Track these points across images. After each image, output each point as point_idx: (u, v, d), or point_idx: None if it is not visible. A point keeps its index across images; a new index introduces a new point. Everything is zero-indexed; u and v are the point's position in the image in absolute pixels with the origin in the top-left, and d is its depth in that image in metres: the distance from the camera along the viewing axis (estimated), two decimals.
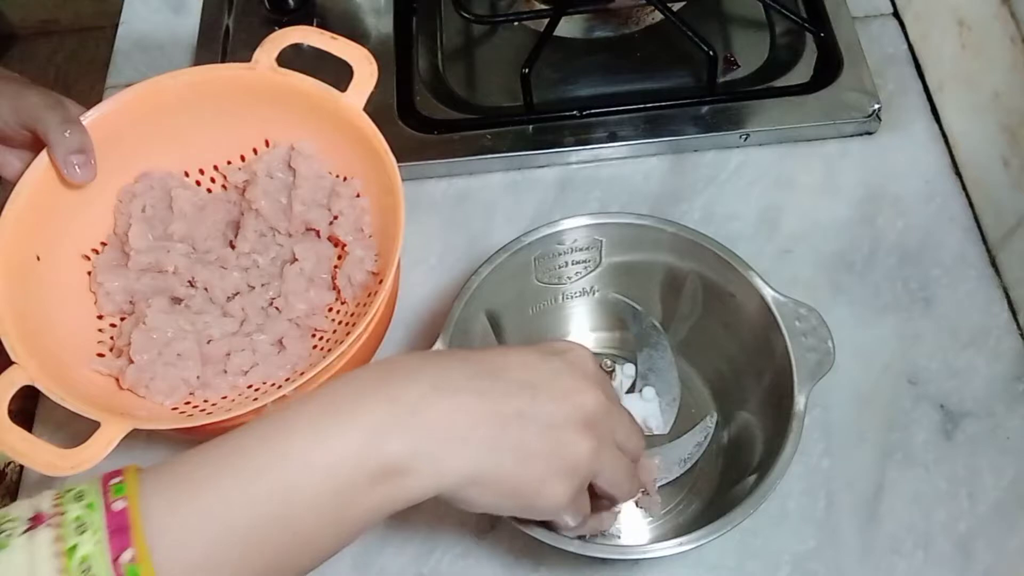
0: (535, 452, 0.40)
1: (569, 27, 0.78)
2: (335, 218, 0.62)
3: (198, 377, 0.57)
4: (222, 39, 0.78)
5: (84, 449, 0.49)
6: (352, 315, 0.60)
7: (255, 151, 0.63)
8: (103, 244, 0.61)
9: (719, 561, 0.56)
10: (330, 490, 0.36)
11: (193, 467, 0.37)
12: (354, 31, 0.78)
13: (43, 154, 0.56)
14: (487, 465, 0.39)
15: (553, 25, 0.73)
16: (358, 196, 0.61)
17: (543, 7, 0.79)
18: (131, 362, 0.56)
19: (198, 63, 0.77)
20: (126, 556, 0.33)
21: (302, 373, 0.51)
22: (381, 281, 0.54)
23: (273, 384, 0.59)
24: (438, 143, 0.71)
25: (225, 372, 0.58)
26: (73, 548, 0.33)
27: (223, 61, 0.77)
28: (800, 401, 0.50)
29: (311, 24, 0.79)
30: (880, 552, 0.56)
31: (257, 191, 0.61)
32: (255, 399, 0.58)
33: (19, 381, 0.51)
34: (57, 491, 0.35)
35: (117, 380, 0.57)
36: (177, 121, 0.60)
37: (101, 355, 0.59)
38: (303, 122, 0.60)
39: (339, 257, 0.62)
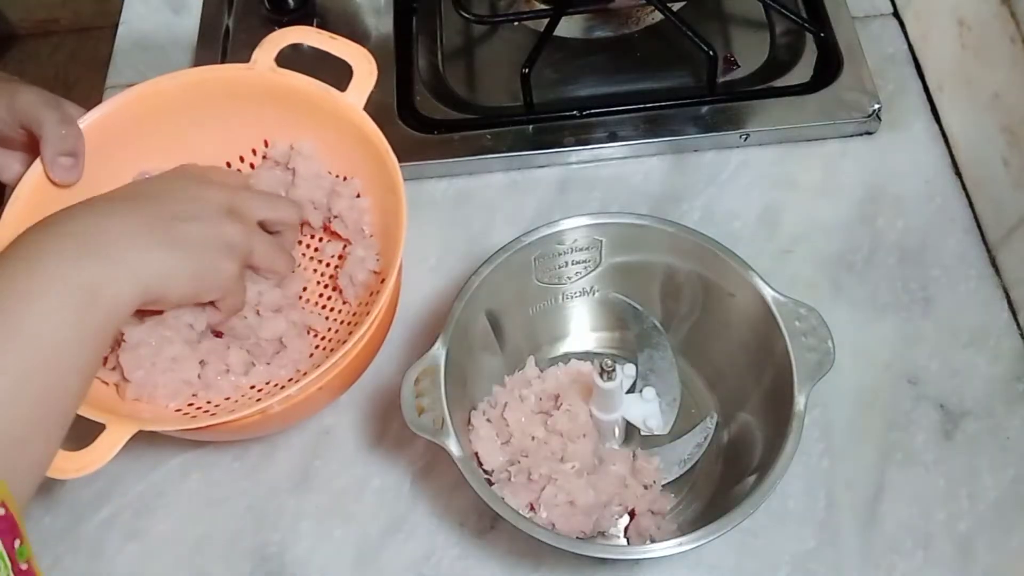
0: (200, 241, 0.50)
1: (569, 27, 0.78)
2: (335, 217, 0.62)
3: (199, 376, 0.57)
4: (222, 39, 0.78)
5: (90, 452, 0.49)
6: (354, 315, 0.60)
7: (254, 151, 0.63)
8: None
9: (719, 561, 0.56)
10: (52, 333, 0.43)
11: None
12: (354, 31, 0.78)
13: (38, 160, 0.55)
14: (170, 260, 0.48)
15: (553, 25, 0.73)
16: (359, 196, 0.61)
17: (543, 7, 0.79)
18: (128, 381, 0.56)
19: (198, 63, 0.77)
20: None
21: (305, 373, 0.51)
22: (383, 280, 0.54)
23: (276, 384, 0.59)
24: (438, 143, 0.71)
25: (227, 371, 0.58)
26: None
27: (223, 61, 0.77)
28: (800, 401, 0.50)
29: (311, 24, 0.79)
30: (880, 552, 0.56)
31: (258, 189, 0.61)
32: (258, 399, 0.58)
33: None
34: None
35: (117, 387, 0.57)
36: (177, 122, 0.60)
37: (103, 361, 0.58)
38: (303, 122, 0.60)
39: (340, 257, 0.62)
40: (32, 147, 0.56)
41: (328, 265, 0.63)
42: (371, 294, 0.59)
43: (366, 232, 0.61)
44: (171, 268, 0.48)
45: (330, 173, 0.62)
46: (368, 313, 0.52)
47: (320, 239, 0.64)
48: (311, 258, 0.64)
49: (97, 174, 0.57)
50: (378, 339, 0.57)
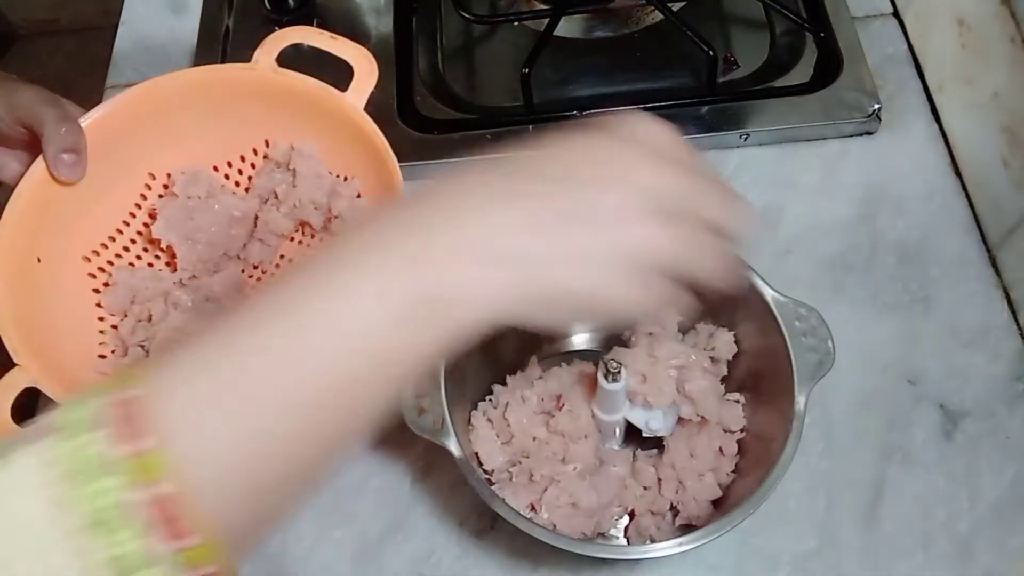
0: (587, 253, 0.34)
1: (569, 27, 0.78)
2: (335, 217, 0.62)
3: None
4: (222, 39, 0.78)
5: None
6: None
7: (255, 151, 0.63)
8: (104, 246, 0.61)
9: (719, 561, 0.56)
10: (376, 338, 0.32)
11: (212, 350, 0.32)
12: (354, 31, 0.78)
13: (38, 162, 0.55)
14: (532, 279, 0.34)
15: (553, 25, 0.73)
16: (359, 196, 0.61)
17: (543, 7, 0.79)
18: (147, 355, 0.56)
19: (198, 63, 0.77)
20: (137, 445, 0.28)
21: None
22: None
23: None
24: (438, 143, 0.71)
25: None
26: (74, 446, 0.28)
27: (223, 61, 0.77)
28: (800, 401, 0.50)
29: (311, 24, 0.79)
30: (880, 552, 0.56)
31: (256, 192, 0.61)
32: None
33: (22, 383, 0.51)
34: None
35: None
36: (178, 121, 0.60)
37: (103, 356, 0.58)
38: (303, 122, 0.60)
39: None
40: (31, 146, 0.56)
41: None
42: None
43: None
44: (536, 288, 0.34)
45: (331, 173, 0.62)
46: None
47: (321, 239, 0.64)
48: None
49: (100, 172, 0.57)
50: None
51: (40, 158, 0.55)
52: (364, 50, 0.59)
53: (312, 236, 0.64)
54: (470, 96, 0.76)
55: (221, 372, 0.31)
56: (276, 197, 0.63)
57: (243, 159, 0.63)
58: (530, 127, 0.72)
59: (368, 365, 0.32)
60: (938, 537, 0.56)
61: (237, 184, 0.64)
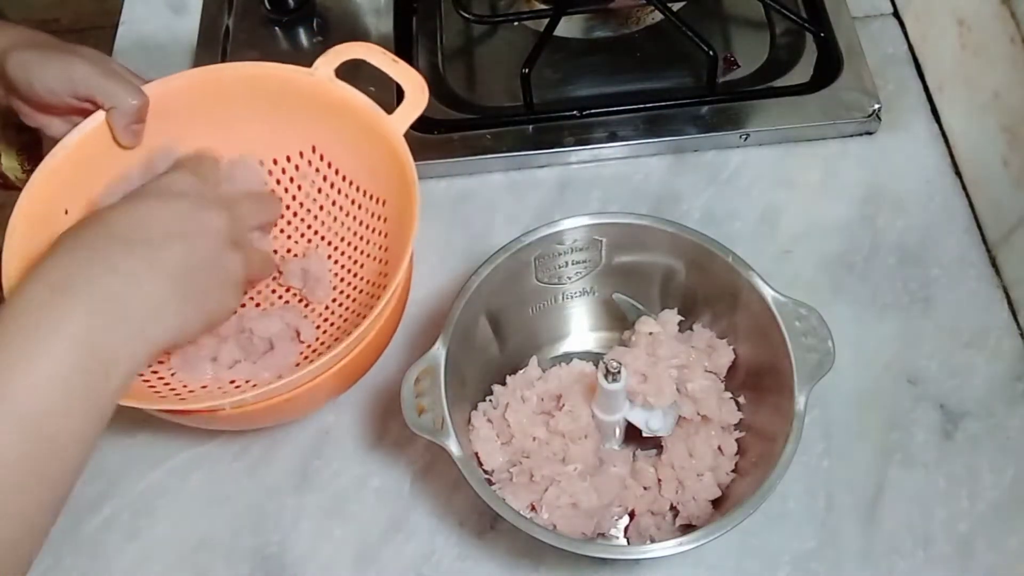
0: (209, 287, 0.48)
1: (569, 27, 0.78)
2: (353, 233, 0.62)
3: (181, 355, 0.57)
4: (222, 39, 0.78)
5: None
6: (347, 335, 0.60)
7: (301, 154, 0.62)
8: None
9: (719, 561, 0.56)
10: (56, 403, 0.39)
11: None
12: (354, 31, 0.78)
13: (94, 116, 0.56)
14: (182, 314, 0.46)
15: (553, 25, 0.73)
16: (380, 218, 0.60)
17: (543, 7, 0.79)
18: None
19: (198, 63, 0.77)
20: None
21: (280, 377, 0.51)
22: (378, 298, 0.54)
23: (254, 385, 0.58)
24: (438, 143, 0.71)
25: (214, 360, 0.58)
26: None
27: (223, 61, 0.77)
28: (800, 401, 0.50)
29: (311, 24, 0.79)
30: (880, 552, 0.56)
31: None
32: (224, 392, 0.57)
33: None
34: None
35: None
36: (230, 109, 0.60)
37: None
38: (349, 136, 0.59)
39: (348, 269, 0.62)
40: (79, 111, 0.56)
41: (341, 280, 0.63)
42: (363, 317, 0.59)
43: (377, 253, 0.61)
44: (184, 322, 0.46)
45: (357, 188, 0.61)
46: (350, 334, 0.51)
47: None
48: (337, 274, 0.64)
49: (151, 143, 0.58)
50: (374, 352, 0.56)
51: (91, 118, 0.56)
52: (420, 79, 0.58)
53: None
54: (470, 96, 0.76)
55: None
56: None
57: (288, 159, 0.63)
58: (530, 127, 0.72)
59: (48, 440, 0.39)
60: (938, 537, 0.56)
61: (278, 182, 0.64)
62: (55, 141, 0.56)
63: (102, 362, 0.41)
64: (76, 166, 0.56)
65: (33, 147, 0.72)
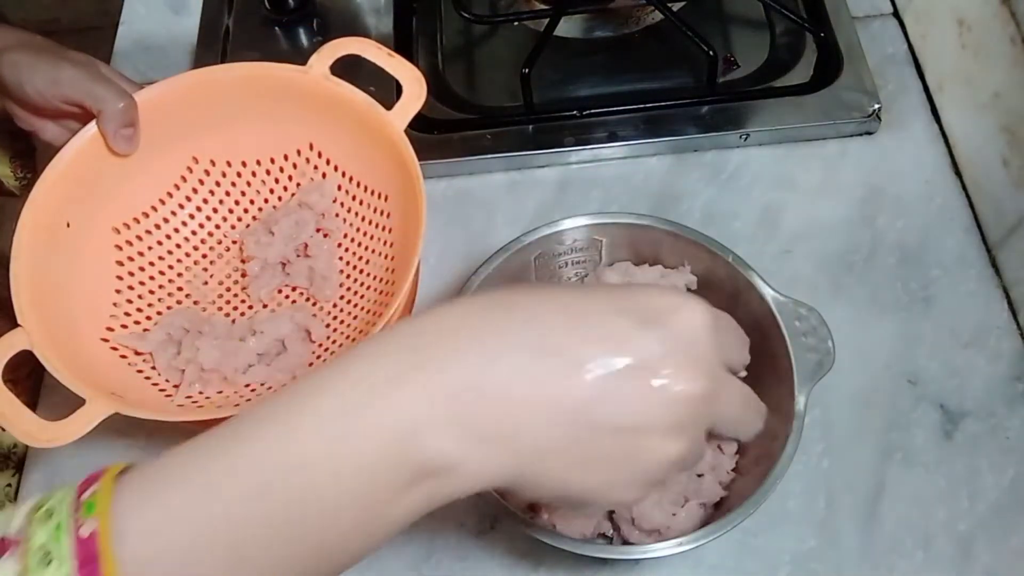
0: (600, 456, 0.32)
1: (569, 27, 0.78)
2: (357, 230, 0.62)
3: (199, 363, 0.57)
4: (222, 39, 0.78)
5: (65, 424, 0.48)
6: (360, 332, 0.60)
7: (299, 152, 0.62)
8: (136, 220, 0.62)
9: (719, 561, 0.56)
10: (350, 488, 0.30)
11: (182, 463, 0.31)
12: (354, 31, 0.78)
13: (90, 124, 0.56)
14: (534, 469, 0.32)
15: (553, 25, 0.73)
16: (384, 213, 0.60)
17: (543, 7, 0.79)
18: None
19: (198, 63, 0.77)
20: None
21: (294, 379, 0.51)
22: (390, 295, 0.53)
23: (269, 388, 0.59)
24: (438, 143, 0.71)
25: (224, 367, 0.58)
26: None
27: (223, 61, 0.77)
28: (800, 401, 0.50)
29: (311, 24, 0.79)
30: (880, 552, 0.56)
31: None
32: (248, 399, 0.58)
33: (18, 345, 0.51)
34: (33, 502, 0.30)
35: (125, 356, 0.58)
36: (227, 111, 0.60)
37: (111, 329, 0.58)
38: (347, 133, 0.59)
39: (354, 267, 0.62)
40: (72, 116, 0.56)
41: (348, 277, 0.63)
42: (377, 315, 0.59)
43: (382, 250, 0.61)
44: (531, 477, 0.33)
45: (359, 185, 0.61)
46: (381, 316, 0.51)
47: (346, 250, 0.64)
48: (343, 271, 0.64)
49: (144, 148, 0.58)
50: None
51: (87, 127, 0.56)
52: (417, 72, 0.58)
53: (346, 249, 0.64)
54: (470, 96, 0.76)
55: (180, 501, 0.30)
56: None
57: (286, 158, 0.63)
58: (530, 127, 0.72)
59: (344, 508, 0.31)
60: (938, 537, 0.56)
61: (277, 181, 0.64)
62: (48, 148, 0.56)
63: (415, 463, 0.31)
64: (77, 175, 0.56)
65: (26, 154, 0.72)
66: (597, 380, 0.31)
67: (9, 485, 0.64)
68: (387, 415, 0.30)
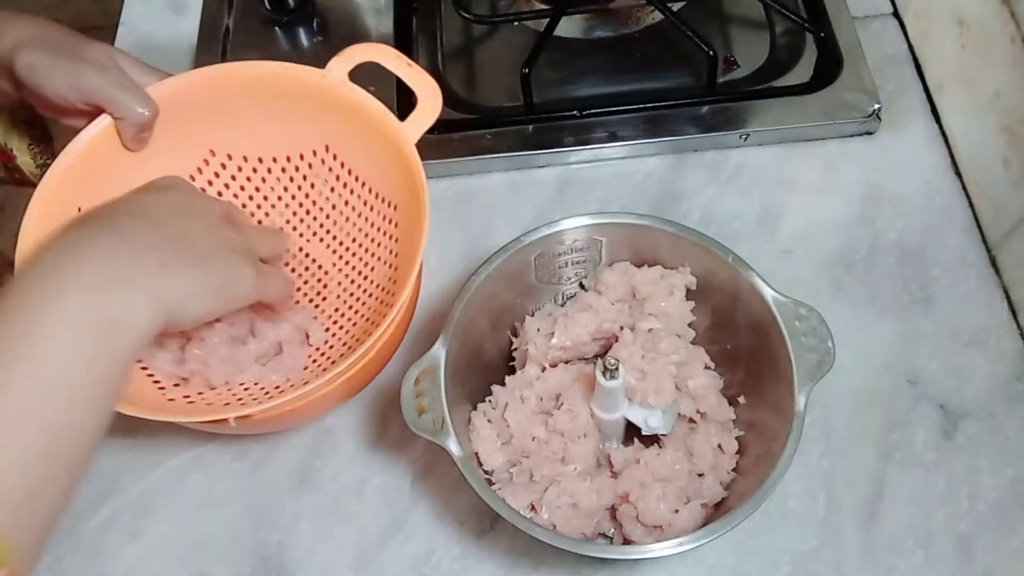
0: (215, 253, 0.48)
1: (569, 27, 0.78)
2: (364, 235, 0.62)
3: (193, 359, 0.57)
4: (222, 39, 0.78)
5: None
6: (357, 339, 0.60)
7: (314, 153, 0.62)
8: None
9: (719, 561, 0.56)
10: (69, 369, 0.39)
11: None
12: (354, 31, 0.78)
13: (105, 116, 0.56)
14: (193, 278, 0.46)
15: (553, 25, 0.73)
16: (392, 222, 0.60)
17: (543, 7, 0.79)
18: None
19: (198, 63, 0.77)
20: None
21: (288, 390, 0.50)
22: (391, 306, 0.53)
23: (263, 389, 0.58)
24: (438, 143, 0.71)
25: (223, 363, 0.58)
26: None
27: (223, 61, 0.77)
28: (800, 401, 0.50)
29: (311, 24, 0.79)
30: (880, 552, 0.56)
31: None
32: (241, 400, 0.57)
33: None
34: None
35: None
36: (244, 108, 0.60)
37: None
38: (361, 138, 0.59)
39: (359, 272, 0.62)
40: (87, 113, 0.56)
41: (352, 282, 0.63)
42: (374, 325, 0.59)
43: (387, 256, 0.61)
44: (195, 287, 0.46)
45: (378, 196, 0.61)
46: (379, 325, 0.51)
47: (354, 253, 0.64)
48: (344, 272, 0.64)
49: (159, 139, 0.58)
50: (379, 362, 0.56)
51: (101, 118, 0.56)
52: (435, 85, 0.58)
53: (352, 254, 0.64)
54: (470, 96, 0.76)
55: None
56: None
57: (302, 157, 0.63)
58: (530, 127, 0.72)
59: (73, 389, 0.39)
60: (938, 537, 0.56)
61: (291, 179, 0.64)
62: (69, 133, 0.56)
63: (110, 319, 0.41)
64: (89, 164, 0.56)
65: (45, 140, 0.72)
66: (178, 215, 0.49)
67: None
68: (73, 291, 0.41)
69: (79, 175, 0.56)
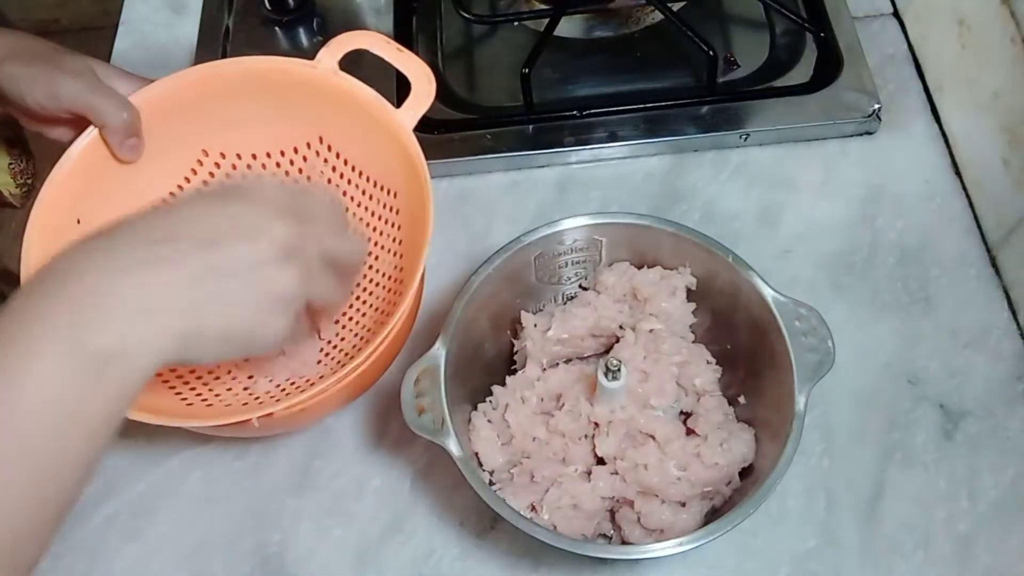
0: (238, 299, 0.41)
1: (569, 27, 0.78)
2: (366, 224, 0.62)
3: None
4: (222, 39, 0.78)
5: None
6: (369, 330, 0.60)
7: (308, 145, 0.62)
8: None
9: (719, 561, 0.56)
10: (52, 411, 0.36)
11: None
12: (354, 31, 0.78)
13: (92, 128, 0.56)
14: (192, 326, 0.39)
15: (553, 25, 0.73)
16: (392, 209, 0.60)
17: (543, 7, 0.79)
18: None
19: (198, 63, 0.76)
20: None
21: (304, 386, 0.50)
22: (399, 294, 0.53)
23: (277, 385, 0.58)
24: (438, 143, 0.71)
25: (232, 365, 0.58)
26: None
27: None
28: (800, 401, 0.50)
29: (311, 24, 0.79)
30: (880, 552, 0.56)
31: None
32: (247, 402, 0.57)
33: None
34: None
35: None
36: (235, 105, 0.60)
37: None
38: (355, 128, 0.59)
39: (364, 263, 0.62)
40: (73, 122, 0.56)
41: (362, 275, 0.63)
42: (386, 314, 0.59)
43: (391, 248, 0.61)
44: (209, 334, 0.40)
45: (368, 180, 0.61)
46: (385, 324, 0.51)
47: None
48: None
49: (152, 144, 0.58)
50: (388, 357, 0.56)
51: (89, 132, 0.56)
52: (427, 69, 0.57)
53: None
54: (470, 96, 0.76)
55: None
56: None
57: (296, 151, 0.63)
58: (530, 127, 0.72)
59: (59, 431, 0.36)
60: (938, 537, 0.56)
61: (287, 174, 0.64)
62: (55, 152, 0.56)
63: (91, 358, 0.37)
64: (87, 174, 0.56)
65: (26, 159, 0.72)
66: (212, 246, 0.41)
67: None
68: (48, 341, 0.36)
69: (76, 185, 0.56)
